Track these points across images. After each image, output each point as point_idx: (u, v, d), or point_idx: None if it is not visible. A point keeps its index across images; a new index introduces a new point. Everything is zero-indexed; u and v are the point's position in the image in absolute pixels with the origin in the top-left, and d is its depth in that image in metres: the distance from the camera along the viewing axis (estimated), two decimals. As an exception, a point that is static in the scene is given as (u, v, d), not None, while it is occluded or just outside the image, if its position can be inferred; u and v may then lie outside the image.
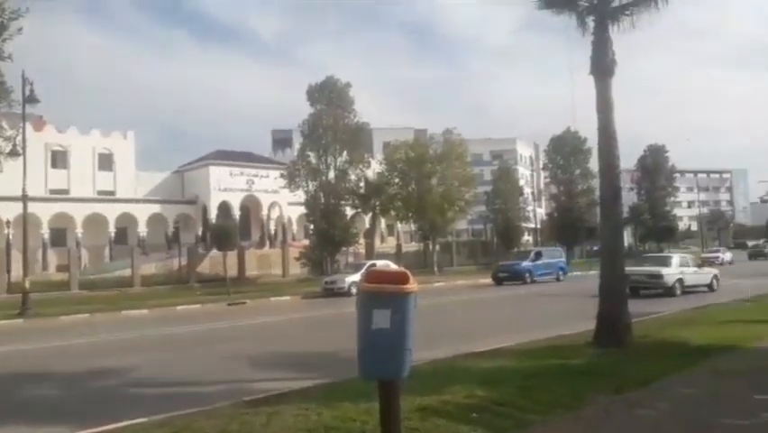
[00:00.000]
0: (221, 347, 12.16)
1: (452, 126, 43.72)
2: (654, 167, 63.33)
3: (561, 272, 33.51)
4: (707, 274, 23.03)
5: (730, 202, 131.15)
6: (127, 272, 35.48)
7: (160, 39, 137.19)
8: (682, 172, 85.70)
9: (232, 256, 34.71)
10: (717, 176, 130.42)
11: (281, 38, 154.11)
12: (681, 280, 21.05)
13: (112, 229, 46.42)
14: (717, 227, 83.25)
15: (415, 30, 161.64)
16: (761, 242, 68.11)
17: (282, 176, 39.75)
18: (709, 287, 22.23)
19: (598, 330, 9.48)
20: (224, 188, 49.76)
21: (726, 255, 49.58)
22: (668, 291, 20.42)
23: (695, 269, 22.80)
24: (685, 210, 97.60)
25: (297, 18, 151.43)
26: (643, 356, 8.23)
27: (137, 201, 48.27)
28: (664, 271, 21.03)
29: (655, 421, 5.43)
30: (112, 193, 48.10)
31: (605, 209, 10.16)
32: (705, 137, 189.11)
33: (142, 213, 47.99)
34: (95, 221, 45.18)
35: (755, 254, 56.42)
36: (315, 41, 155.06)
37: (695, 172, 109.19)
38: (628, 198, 57.10)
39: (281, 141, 66.90)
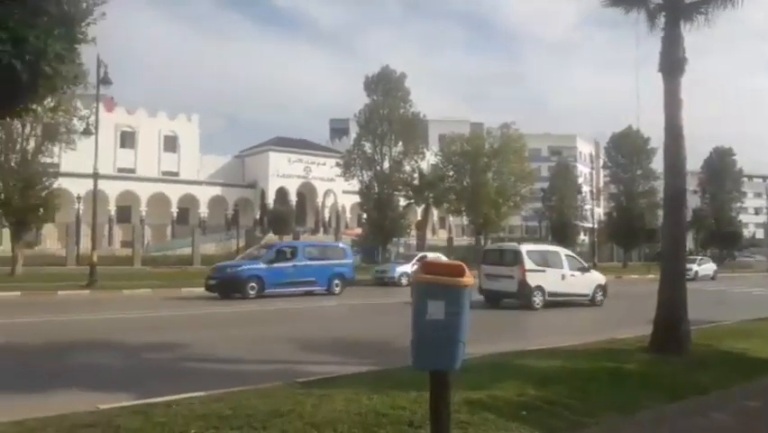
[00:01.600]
0: (277, 329, 12.48)
1: (511, 121, 43.17)
2: (721, 170, 60.68)
3: (335, 282, 21.07)
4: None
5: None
6: (188, 251, 36.75)
7: (225, 26, 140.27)
8: (751, 177, 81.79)
9: (287, 240, 35.42)
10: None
11: (341, 26, 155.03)
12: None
13: (174, 209, 48.12)
14: (786, 235, 79.09)
15: (474, 21, 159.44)
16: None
17: (338, 164, 40.24)
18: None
19: (655, 335, 9.23)
20: (282, 174, 50.80)
21: (705, 267, 38.73)
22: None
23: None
24: (752, 216, 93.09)
25: (358, 6, 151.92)
26: (701, 365, 7.97)
27: (199, 183, 49.88)
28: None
29: (712, 432, 5.28)
30: (176, 174, 49.82)
31: (668, 211, 9.83)
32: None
33: (204, 194, 49.55)
34: (158, 200, 46.93)
35: None
36: (374, 30, 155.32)
37: (765, 178, 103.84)
38: (692, 200, 54.95)
39: (338, 130, 67.63)
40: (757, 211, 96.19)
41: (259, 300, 18.27)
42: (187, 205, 49.05)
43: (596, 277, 18.58)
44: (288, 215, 46.78)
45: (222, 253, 38.38)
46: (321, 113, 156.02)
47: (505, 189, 40.73)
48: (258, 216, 50.58)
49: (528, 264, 16.69)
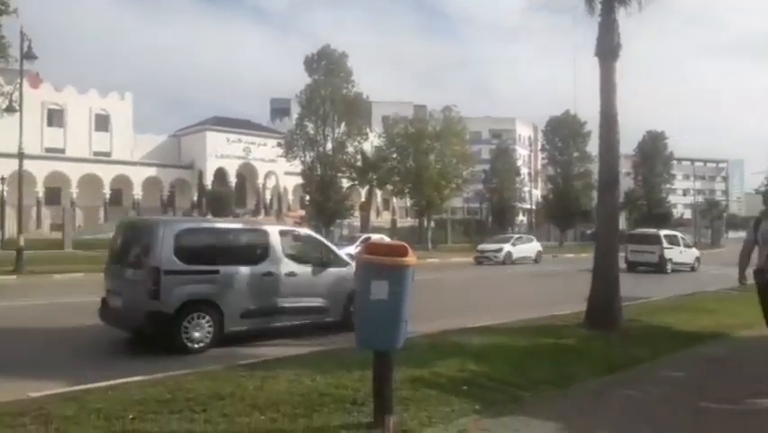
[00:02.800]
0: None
1: (452, 103, 43.56)
2: (653, 153, 63.31)
3: None
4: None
5: (725, 192, 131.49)
6: (121, 234, 35.45)
7: (162, 3, 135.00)
8: (680, 160, 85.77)
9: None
10: (713, 165, 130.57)
11: (286, 5, 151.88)
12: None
13: (107, 191, 46.34)
14: (711, 216, 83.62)
15: (422, 3, 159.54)
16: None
17: (279, 145, 39.62)
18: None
19: (590, 312, 9.60)
20: (221, 154, 49.62)
21: (522, 247, 30.76)
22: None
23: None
24: (680, 198, 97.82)
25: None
26: (633, 339, 8.35)
27: (133, 164, 48.13)
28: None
29: (642, 403, 5.55)
30: (108, 155, 47.88)
31: (602, 193, 10.19)
32: (704, 126, 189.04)
33: (138, 176, 47.87)
34: (90, 182, 45.04)
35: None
36: (319, 9, 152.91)
37: (692, 161, 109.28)
38: (626, 182, 57.17)
39: (280, 110, 66.57)
40: (685, 192, 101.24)
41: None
42: (121, 186, 47.30)
43: (695, 252, 26.35)
44: (228, 196, 45.82)
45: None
46: (263, 93, 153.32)
47: (447, 172, 41.17)
48: (195, 198, 49.35)
49: (665, 243, 24.28)
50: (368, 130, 40.37)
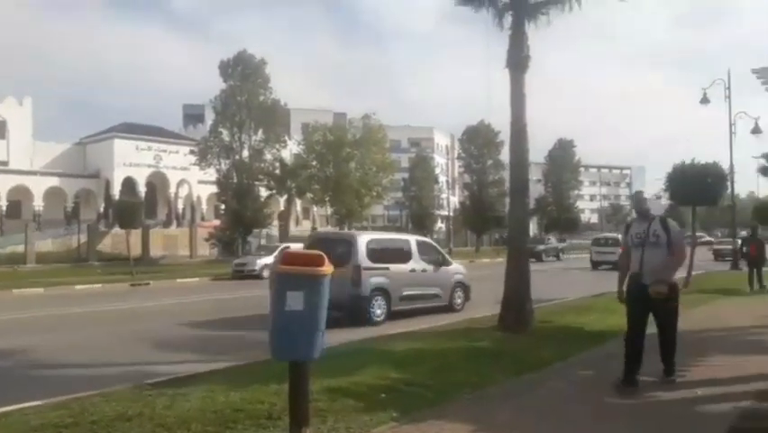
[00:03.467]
0: (123, 329, 11.67)
1: (372, 112, 43.88)
2: (562, 161, 66.42)
3: None
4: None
5: (629, 197, 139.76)
6: (20, 249, 33.15)
7: (70, 4, 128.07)
8: (587, 167, 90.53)
9: (135, 235, 33.24)
10: (618, 172, 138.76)
11: (200, 10, 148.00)
12: None
13: (3, 202, 43.23)
14: (616, 220, 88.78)
15: (340, 11, 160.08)
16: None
17: (192, 152, 38.35)
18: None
19: (503, 315, 9.88)
20: (130, 162, 47.46)
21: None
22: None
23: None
24: (588, 203, 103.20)
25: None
26: (544, 340, 8.65)
27: (33, 173, 45.14)
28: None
29: (552, 400, 5.75)
30: (5, 163, 44.70)
31: (513, 199, 10.55)
32: (609, 134, 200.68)
33: (39, 186, 44.98)
34: (-17, 192, 41.89)
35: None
36: (234, 14, 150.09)
37: (598, 167, 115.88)
38: (537, 189, 59.66)
39: (193, 116, 64.55)
40: (592, 198, 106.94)
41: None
42: (19, 197, 44.24)
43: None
44: (137, 206, 43.83)
45: (61, 251, 35.23)
46: (176, 99, 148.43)
47: (367, 179, 41.35)
48: (102, 209, 46.89)
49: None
50: (286, 137, 39.90)
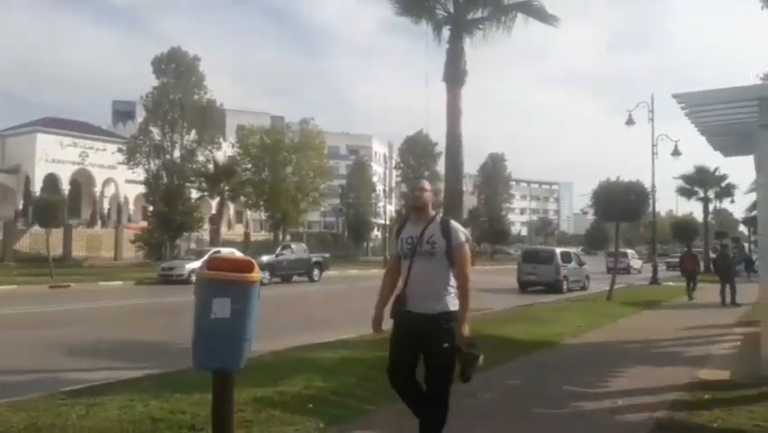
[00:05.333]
0: (38, 334, 11.02)
1: (310, 116, 43.58)
2: (494, 174, 68.13)
3: None
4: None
5: (557, 211, 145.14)
6: (-75, 246, 30.89)
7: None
8: (518, 181, 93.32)
9: (57, 234, 31.65)
10: (547, 187, 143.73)
11: (134, 5, 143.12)
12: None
13: None
14: (544, 233, 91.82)
15: (280, 15, 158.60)
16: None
17: (120, 151, 36.85)
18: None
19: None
20: (53, 159, 45.09)
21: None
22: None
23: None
24: (518, 216, 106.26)
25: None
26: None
27: (-57, 166, 42.23)
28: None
29: (478, 409, 5.82)
30: None
31: (446, 210, 10.69)
32: (540, 151, 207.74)
33: (-51, 179, 42.08)
34: None
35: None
36: (170, 12, 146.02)
37: (528, 182, 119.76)
38: (470, 201, 60.88)
39: (122, 113, 62.12)
40: (522, 211, 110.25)
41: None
42: (-72, 191, 41.31)
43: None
44: (59, 204, 41.66)
45: (-26, 249, 33.05)
46: (105, 94, 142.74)
47: (304, 185, 40.95)
48: (20, 206, 44.33)
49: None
50: (221, 139, 38.99)
